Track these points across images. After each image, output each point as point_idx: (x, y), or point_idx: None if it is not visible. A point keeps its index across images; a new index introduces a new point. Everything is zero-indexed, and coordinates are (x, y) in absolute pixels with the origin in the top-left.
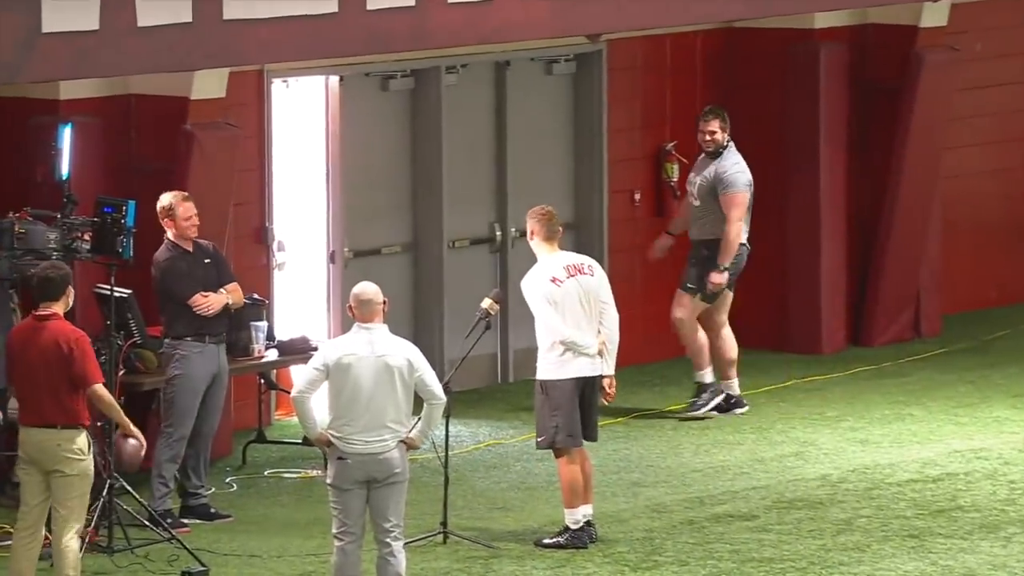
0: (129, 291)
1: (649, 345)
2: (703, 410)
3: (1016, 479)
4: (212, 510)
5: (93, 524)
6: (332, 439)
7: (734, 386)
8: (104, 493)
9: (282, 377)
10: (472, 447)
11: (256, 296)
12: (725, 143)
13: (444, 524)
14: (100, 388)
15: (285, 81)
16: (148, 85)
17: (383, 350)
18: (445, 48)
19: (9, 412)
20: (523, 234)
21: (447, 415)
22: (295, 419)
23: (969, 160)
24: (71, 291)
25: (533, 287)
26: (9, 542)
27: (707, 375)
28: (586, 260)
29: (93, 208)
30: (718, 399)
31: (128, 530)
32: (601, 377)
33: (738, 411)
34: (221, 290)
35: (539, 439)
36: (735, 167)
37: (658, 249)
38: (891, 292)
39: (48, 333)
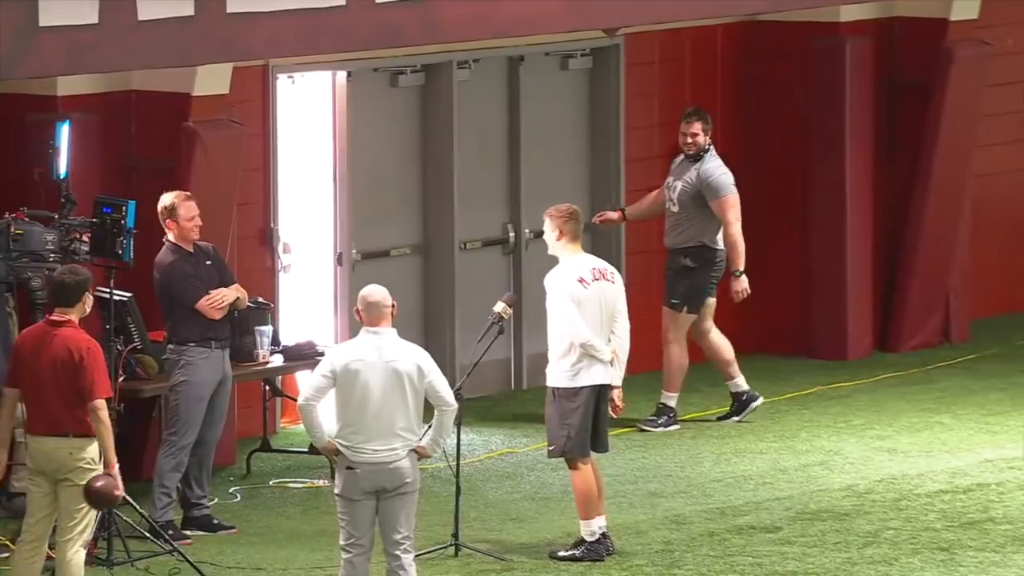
0: (129, 294)
1: None
2: (656, 430)
3: None
4: (215, 521)
5: (92, 536)
6: (340, 448)
7: (741, 383)
8: None
9: (288, 383)
10: (484, 456)
11: (261, 300)
12: (707, 146)
13: (456, 536)
14: (102, 406)
15: (291, 77)
16: (149, 81)
17: (392, 355)
18: (457, 42)
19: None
20: (538, 235)
21: (458, 423)
22: (301, 427)
23: (1000, 159)
24: (88, 298)
25: (559, 284)
26: (7, 554)
27: (673, 400)
28: (609, 267)
29: (92, 208)
30: (673, 427)
31: (128, 542)
32: (610, 388)
33: (754, 404)
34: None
35: (550, 448)
36: (719, 170)
37: (605, 220)
38: (919, 296)
39: (60, 340)
